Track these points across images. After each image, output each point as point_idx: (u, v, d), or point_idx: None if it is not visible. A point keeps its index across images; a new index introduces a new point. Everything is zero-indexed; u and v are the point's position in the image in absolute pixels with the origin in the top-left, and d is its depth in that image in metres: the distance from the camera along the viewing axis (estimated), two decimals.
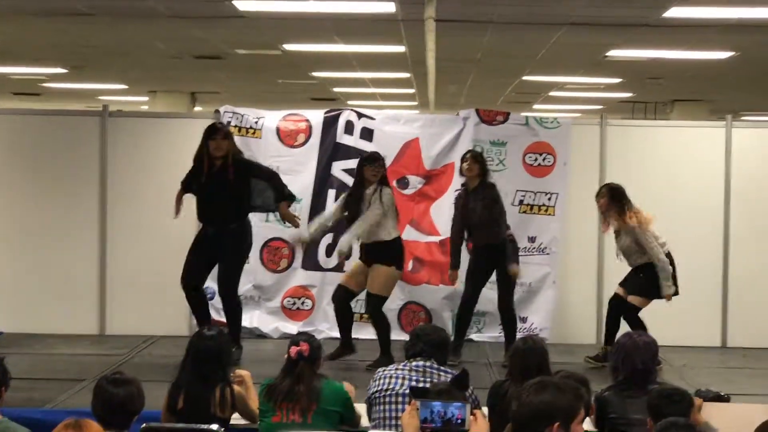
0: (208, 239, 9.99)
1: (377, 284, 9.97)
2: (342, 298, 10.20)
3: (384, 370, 6.25)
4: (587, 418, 5.67)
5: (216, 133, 9.92)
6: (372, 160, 10.04)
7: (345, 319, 10.24)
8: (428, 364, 6.19)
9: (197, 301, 10.22)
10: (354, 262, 10.33)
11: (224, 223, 9.95)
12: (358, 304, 10.92)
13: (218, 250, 9.98)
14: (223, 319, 11.11)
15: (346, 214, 10.08)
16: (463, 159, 10.46)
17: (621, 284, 10.36)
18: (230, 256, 10.10)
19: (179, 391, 6.36)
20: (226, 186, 9.84)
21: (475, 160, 10.32)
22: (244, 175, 9.95)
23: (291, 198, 10.21)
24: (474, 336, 11.46)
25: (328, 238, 11.44)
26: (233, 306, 10.22)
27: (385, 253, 9.97)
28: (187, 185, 10.11)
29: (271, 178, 10.13)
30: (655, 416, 5.42)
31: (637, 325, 9.84)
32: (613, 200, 10.23)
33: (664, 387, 5.87)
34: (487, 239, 10.23)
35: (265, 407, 6.24)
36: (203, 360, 6.38)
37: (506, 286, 10.36)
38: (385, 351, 9.99)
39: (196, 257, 10.09)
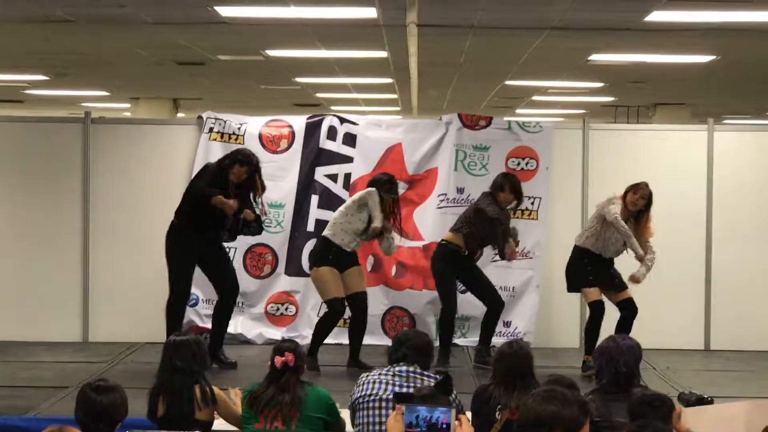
0: (199, 248, 10.00)
1: (364, 282, 10.24)
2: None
3: (367, 376, 6.24)
4: None
5: (248, 163, 9.87)
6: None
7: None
8: (411, 369, 6.18)
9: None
10: (327, 273, 10.08)
11: (220, 231, 10.04)
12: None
13: (211, 256, 10.09)
14: (207, 326, 11.11)
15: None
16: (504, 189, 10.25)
17: (602, 285, 10.20)
18: (228, 261, 10.29)
19: (158, 396, 6.36)
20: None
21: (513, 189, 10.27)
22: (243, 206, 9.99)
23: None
24: (458, 340, 11.46)
25: (311, 245, 11.42)
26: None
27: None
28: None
29: None
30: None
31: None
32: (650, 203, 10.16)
33: (645, 392, 5.87)
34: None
35: (248, 414, 6.23)
36: (180, 364, 6.37)
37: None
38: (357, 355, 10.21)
39: (191, 267, 10.16)
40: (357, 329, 10.24)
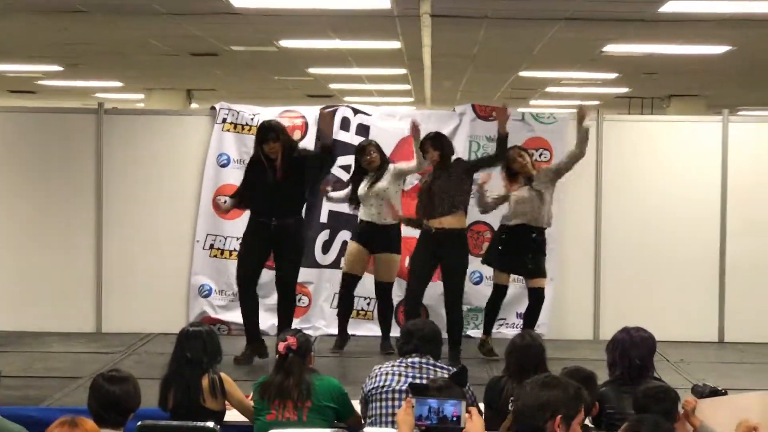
0: (266, 233, 9.88)
1: (390, 272, 10.47)
2: (352, 286, 10.57)
3: (380, 367, 6.24)
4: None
5: (268, 138, 9.77)
6: (360, 151, 10.52)
7: (350, 308, 10.72)
8: (424, 360, 6.18)
9: (253, 301, 10.12)
10: (352, 249, 10.54)
11: (285, 216, 9.91)
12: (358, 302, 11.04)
13: (278, 243, 9.93)
14: (219, 317, 11.17)
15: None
16: (425, 152, 10.03)
17: (512, 270, 10.31)
18: (291, 251, 10.07)
19: (169, 387, 6.37)
20: (282, 181, 9.78)
21: (435, 146, 10.04)
22: (296, 170, 9.89)
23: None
24: (471, 332, 11.46)
25: (324, 235, 11.45)
26: (291, 303, 10.21)
27: (395, 240, 10.43)
28: (242, 196, 10.04)
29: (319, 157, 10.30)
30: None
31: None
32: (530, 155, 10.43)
33: (648, 386, 5.86)
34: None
35: (260, 405, 6.24)
36: (190, 353, 6.39)
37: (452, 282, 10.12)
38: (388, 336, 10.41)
39: (249, 252, 10.02)
40: (379, 315, 10.69)
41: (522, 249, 10.17)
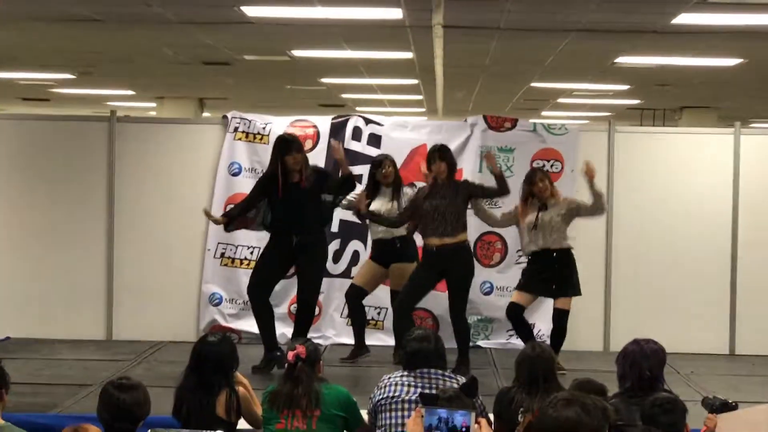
0: (287, 249, 9.90)
1: (405, 280, 10.18)
2: (357, 296, 10.54)
3: (389, 377, 6.22)
4: None
5: (291, 148, 9.82)
6: (377, 164, 10.50)
7: (364, 317, 10.74)
8: (433, 370, 6.17)
9: (268, 313, 10.14)
10: (367, 267, 10.62)
11: (307, 232, 9.91)
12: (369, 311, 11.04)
13: (299, 259, 9.94)
14: (230, 325, 11.20)
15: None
16: (431, 162, 9.96)
17: (531, 290, 10.19)
18: (314, 264, 10.10)
19: (184, 399, 6.35)
20: (305, 195, 9.81)
21: (443, 157, 9.95)
22: (318, 183, 9.93)
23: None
24: (481, 342, 11.46)
25: (335, 245, 11.44)
26: (310, 315, 10.19)
27: (406, 250, 10.38)
28: (244, 210, 10.05)
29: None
30: (650, 426, 5.41)
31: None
32: (551, 182, 10.26)
33: (656, 396, 5.83)
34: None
35: (269, 414, 6.22)
36: (207, 366, 6.36)
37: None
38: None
39: (267, 264, 10.07)
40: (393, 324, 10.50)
41: (546, 270, 10.09)
